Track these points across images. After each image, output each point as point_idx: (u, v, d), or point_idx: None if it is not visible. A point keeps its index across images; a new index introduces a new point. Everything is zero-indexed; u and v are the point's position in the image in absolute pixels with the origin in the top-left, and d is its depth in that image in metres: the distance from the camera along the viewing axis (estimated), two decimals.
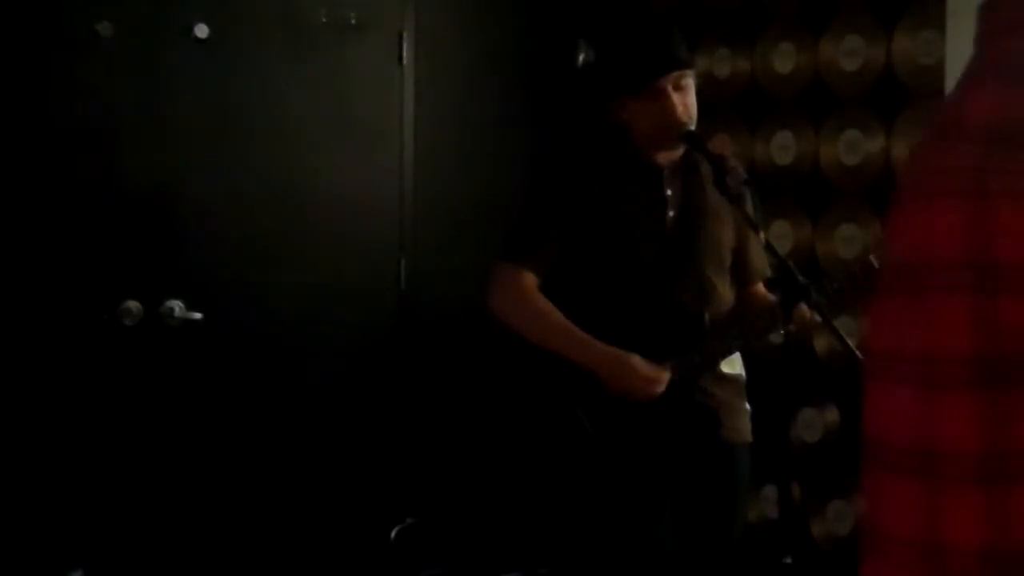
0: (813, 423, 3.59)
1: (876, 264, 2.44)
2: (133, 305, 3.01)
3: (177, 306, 3.07)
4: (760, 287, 2.71)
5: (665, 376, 2.41)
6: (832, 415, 3.55)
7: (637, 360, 2.40)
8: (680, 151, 2.54)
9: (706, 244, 2.55)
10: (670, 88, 2.42)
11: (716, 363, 2.54)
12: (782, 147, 3.68)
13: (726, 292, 2.61)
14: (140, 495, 3.06)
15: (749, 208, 2.45)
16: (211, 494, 3.16)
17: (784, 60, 3.67)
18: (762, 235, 2.25)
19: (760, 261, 2.71)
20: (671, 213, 2.53)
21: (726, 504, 2.58)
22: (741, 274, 2.66)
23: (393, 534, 3.44)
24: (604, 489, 2.46)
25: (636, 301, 2.50)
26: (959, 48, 3.23)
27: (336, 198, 3.35)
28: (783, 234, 3.63)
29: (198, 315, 3.09)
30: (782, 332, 2.23)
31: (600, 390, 2.44)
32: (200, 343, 3.12)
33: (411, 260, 3.48)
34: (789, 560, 2.16)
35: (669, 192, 2.53)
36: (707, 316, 2.54)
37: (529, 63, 3.74)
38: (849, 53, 3.49)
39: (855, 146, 3.48)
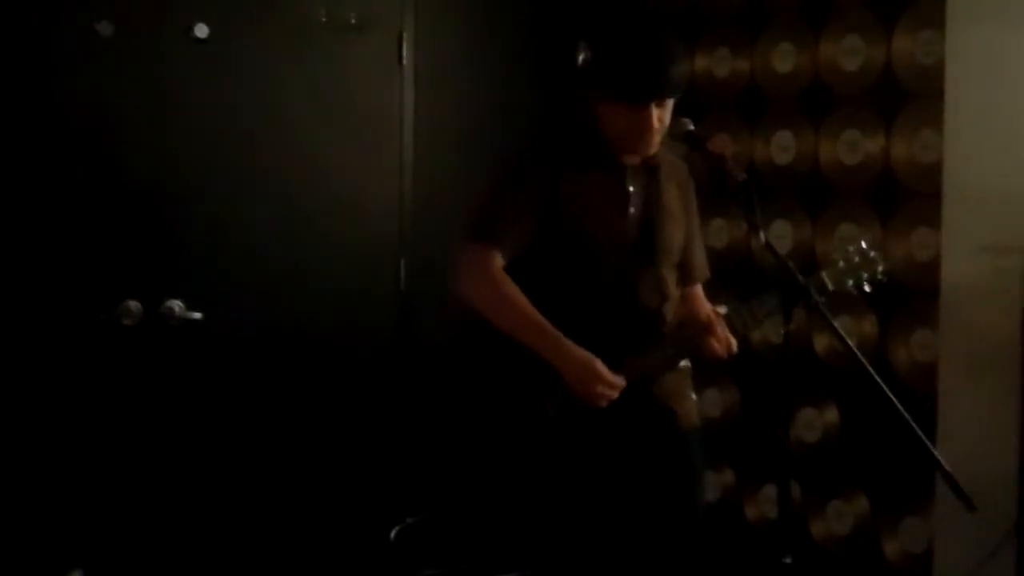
0: (813, 423, 3.59)
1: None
2: (133, 305, 3.01)
3: (177, 306, 3.07)
4: (699, 289, 2.78)
5: (622, 383, 2.43)
6: (832, 415, 3.55)
7: (600, 366, 2.41)
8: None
9: (664, 243, 2.59)
10: (654, 107, 2.43)
11: (677, 363, 2.58)
12: (782, 147, 3.68)
13: (676, 292, 2.67)
14: (140, 495, 3.06)
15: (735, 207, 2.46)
16: (211, 494, 3.16)
17: (784, 60, 3.67)
18: (762, 235, 2.25)
19: (702, 263, 2.78)
20: (632, 210, 2.55)
21: (686, 488, 2.60)
22: (684, 275, 2.70)
23: (393, 534, 3.45)
24: (564, 476, 2.47)
25: (598, 295, 2.51)
26: (959, 48, 3.23)
27: (336, 198, 3.35)
28: (783, 234, 3.63)
29: (198, 315, 3.09)
30: (782, 332, 2.23)
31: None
32: (200, 343, 3.12)
33: (411, 260, 3.48)
34: (789, 560, 2.16)
35: (632, 189, 2.55)
36: (665, 315, 2.57)
37: (529, 63, 3.74)
38: (849, 53, 3.49)
39: (855, 146, 3.48)
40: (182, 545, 3.12)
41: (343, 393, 3.38)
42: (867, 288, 2.63)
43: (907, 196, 3.37)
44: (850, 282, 2.60)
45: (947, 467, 2.00)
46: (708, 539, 2.72)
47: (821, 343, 3.54)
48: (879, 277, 2.64)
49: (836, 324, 2.18)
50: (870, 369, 2.10)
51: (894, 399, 2.03)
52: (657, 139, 2.49)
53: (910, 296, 3.36)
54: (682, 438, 2.60)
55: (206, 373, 3.15)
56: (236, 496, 3.20)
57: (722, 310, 2.56)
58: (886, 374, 3.33)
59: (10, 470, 2.89)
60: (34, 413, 2.92)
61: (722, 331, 2.51)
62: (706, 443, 2.68)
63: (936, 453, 2.05)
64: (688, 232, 2.69)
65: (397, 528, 3.46)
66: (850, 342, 2.16)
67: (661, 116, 2.46)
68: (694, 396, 2.68)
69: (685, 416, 2.61)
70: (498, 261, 2.47)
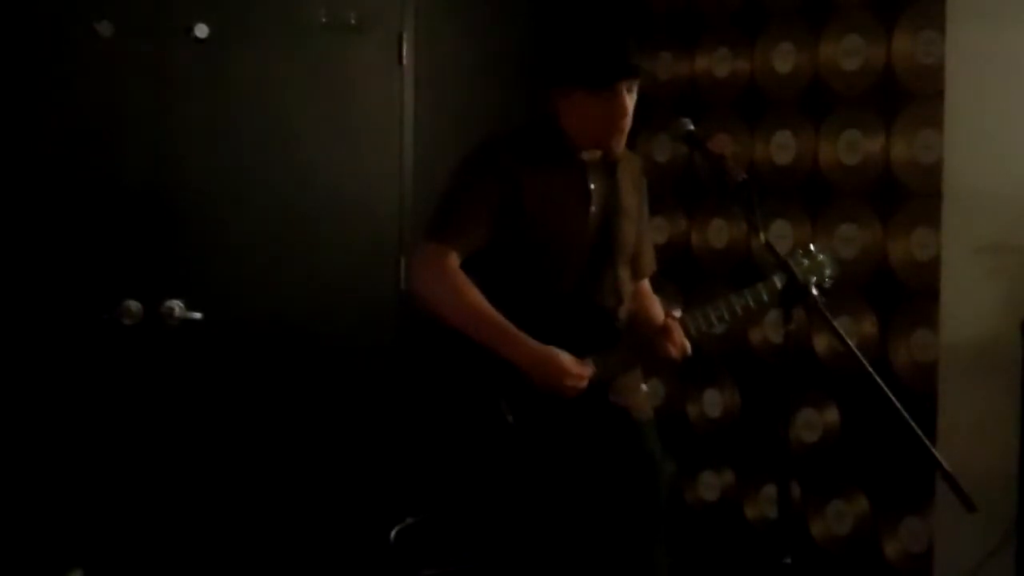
0: (813, 423, 3.59)
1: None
2: (133, 305, 3.01)
3: (177, 306, 3.07)
4: (646, 284, 2.78)
5: (589, 371, 2.42)
6: (832, 415, 3.55)
7: (565, 356, 2.40)
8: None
9: (621, 242, 2.59)
10: (625, 91, 2.43)
11: (634, 365, 2.57)
12: (782, 147, 3.68)
13: (631, 290, 2.67)
14: (140, 495, 3.06)
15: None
16: (211, 494, 3.16)
17: (784, 60, 3.67)
18: (762, 235, 2.25)
19: (650, 258, 2.78)
20: (593, 208, 2.54)
21: (645, 477, 2.60)
22: (633, 270, 2.70)
23: (393, 534, 3.45)
24: (526, 476, 2.46)
25: (557, 294, 2.50)
26: (959, 48, 3.24)
27: (336, 198, 3.35)
28: (783, 234, 3.63)
29: (198, 315, 3.09)
30: (782, 332, 2.24)
31: (523, 382, 2.42)
32: (200, 343, 3.12)
33: (411, 260, 3.48)
34: (789, 560, 2.16)
35: (592, 187, 2.54)
36: (621, 315, 2.56)
37: (529, 63, 3.74)
38: (849, 53, 3.50)
39: (855, 146, 3.48)
40: (182, 545, 3.11)
41: (343, 393, 3.38)
42: (814, 292, 2.64)
43: (907, 196, 3.37)
44: None
45: (947, 467, 2.00)
46: (706, 538, 2.73)
47: (821, 343, 3.54)
48: (826, 281, 2.67)
49: (836, 324, 2.18)
50: (870, 369, 2.10)
51: (894, 399, 2.03)
52: (628, 128, 2.48)
53: (910, 296, 3.36)
54: (637, 430, 2.60)
55: (206, 373, 3.15)
56: (236, 496, 3.20)
57: (677, 313, 2.57)
58: (886, 374, 3.33)
59: (10, 470, 2.89)
60: (34, 413, 2.92)
61: (678, 335, 2.51)
62: (707, 443, 2.67)
63: (936, 453, 2.05)
64: (640, 228, 2.69)
65: (397, 528, 3.46)
66: (850, 342, 2.16)
67: (631, 104, 2.46)
68: (645, 387, 2.69)
69: (638, 409, 2.62)
70: (454, 259, 2.44)
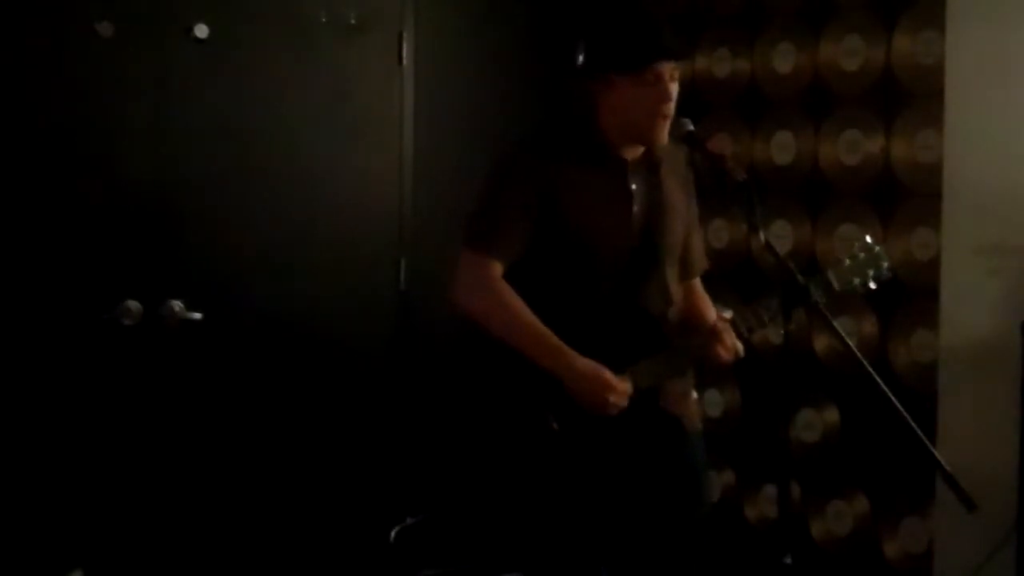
0: (813, 423, 3.59)
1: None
2: (133, 305, 3.01)
3: (177, 306, 3.07)
4: (698, 283, 2.73)
5: (631, 390, 2.38)
6: (832, 415, 3.55)
7: (608, 375, 2.35)
8: (643, 147, 2.52)
9: (667, 244, 2.53)
10: (667, 75, 2.40)
11: (685, 371, 2.53)
12: (782, 147, 3.68)
13: (679, 291, 2.61)
14: (140, 495, 3.06)
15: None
16: (211, 494, 3.16)
17: (784, 60, 3.67)
18: (762, 235, 2.24)
19: (700, 256, 2.72)
20: (635, 209, 2.48)
21: (693, 491, 2.57)
22: (683, 269, 2.64)
23: (393, 534, 3.45)
24: (571, 486, 2.43)
25: (600, 300, 2.45)
26: (959, 48, 3.24)
27: (336, 198, 3.35)
28: (783, 234, 3.63)
29: (198, 315, 3.09)
30: (782, 332, 2.23)
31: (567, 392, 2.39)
32: (200, 343, 3.12)
33: (411, 260, 3.48)
34: (789, 560, 2.16)
35: (634, 187, 2.49)
36: (671, 318, 2.53)
37: (529, 63, 3.74)
38: (849, 53, 3.50)
39: (855, 146, 3.48)
40: (182, 545, 3.12)
41: (343, 393, 3.38)
42: (872, 286, 2.59)
43: (907, 196, 3.37)
44: (856, 281, 2.56)
45: (947, 467, 2.00)
46: (709, 539, 2.71)
47: (821, 343, 3.54)
48: (884, 274, 2.61)
49: (836, 324, 2.18)
50: (870, 369, 2.10)
51: (894, 399, 2.03)
52: (671, 116, 2.42)
53: (910, 296, 3.36)
54: (687, 441, 2.56)
55: (206, 373, 3.15)
56: (236, 496, 3.20)
57: (727, 314, 2.51)
58: (886, 374, 3.33)
59: (10, 470, 2.89)
60: (34, 413, 2.92)
61: (729, 338, 2.46)
62: (707, 443, 2.66)
63: (936, 453, 2.05)
64: (688, 225, 2.63)
65: (397, 528, 3.46)
66: (850, 342, 2.16)
67: (674, 92, 2.40)
68: (695, 394, 2.65)
69: (690, 420, 2.57)
70: (497, 270, 2.39)
